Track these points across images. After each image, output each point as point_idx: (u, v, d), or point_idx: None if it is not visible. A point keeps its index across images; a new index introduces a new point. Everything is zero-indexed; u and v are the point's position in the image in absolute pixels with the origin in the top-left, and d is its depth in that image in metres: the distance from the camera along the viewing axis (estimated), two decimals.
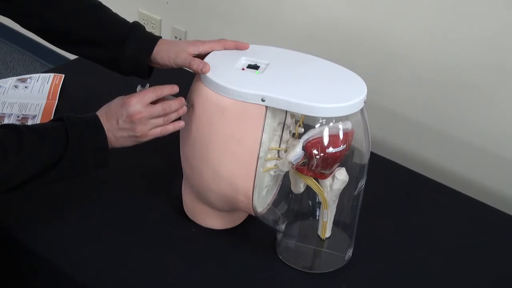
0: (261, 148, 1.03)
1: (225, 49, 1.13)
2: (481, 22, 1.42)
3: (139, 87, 1.09)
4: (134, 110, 1.04)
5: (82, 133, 1.03)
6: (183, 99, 1.08)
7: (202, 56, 1.11)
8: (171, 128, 1.08)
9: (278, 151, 1.08)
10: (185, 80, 1.16)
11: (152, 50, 1.14)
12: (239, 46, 1.13)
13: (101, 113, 1.06)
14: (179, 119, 1.09)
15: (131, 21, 1.18)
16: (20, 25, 1.18)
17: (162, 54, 1.13)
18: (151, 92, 1.06)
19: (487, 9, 1.40)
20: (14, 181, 0.99)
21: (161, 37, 1.16)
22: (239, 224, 1.21)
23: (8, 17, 1.17)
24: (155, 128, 1.07)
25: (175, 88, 1.08)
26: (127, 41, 1.14)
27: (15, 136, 0.99)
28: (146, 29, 1.17)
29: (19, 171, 0.99)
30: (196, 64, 1.07)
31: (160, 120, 1.06)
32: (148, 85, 1.10)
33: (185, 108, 1.08)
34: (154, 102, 1.06)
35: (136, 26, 1.16)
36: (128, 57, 1.14)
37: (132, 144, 1.08)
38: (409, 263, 1.17)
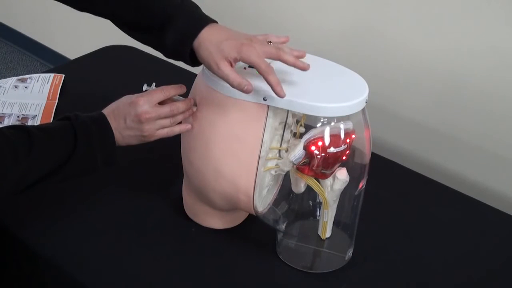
0: (262, 147, 1.03)
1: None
2: (482, 22, 1.42)
3: (145, 86, 1.09)
4: (142, 110, 1.04)
5: (90, 131, 1.02)
6: (192, 100, 1.07)
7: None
8: (177, 130, 1.08)
9: (279, 150, 1.08)
10: (185, 79, 1.16)
11: (191, 45, 0.99)
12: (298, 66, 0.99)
13: (108, 112, 1.06)
14: None
15: None
16: (71, 6, 1.11)
17: (203, 54, 0.98)
18: (159, 93, 1.06)
19: (488, 9, 1.40)
20: (25, 182, 0.98)
21: (207, 24, 0.99)
22: (239, 224, 1.21)
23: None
24: (162, 129, 1.07)
25: (182, 88, 1.08)
26: (166, 28, 1.00)
27: (24, 137, 0.98)
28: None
29: (30, 172, 0.98)
30: (236, 82, 0.96)
31: (167, 121, 1.06)
32: (154, 84, 1.09)
33: (192, 110, 1.07)
34: (162, 102, 1.06)
35: (179, 10, 1.00)
36: (168, 46, 1.02)
37: (138, 143, 1.08)
38: (409, 263, 1.17)
